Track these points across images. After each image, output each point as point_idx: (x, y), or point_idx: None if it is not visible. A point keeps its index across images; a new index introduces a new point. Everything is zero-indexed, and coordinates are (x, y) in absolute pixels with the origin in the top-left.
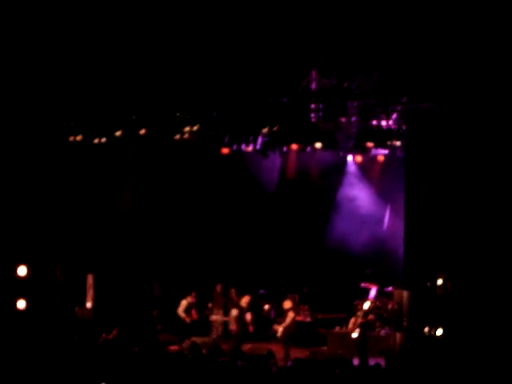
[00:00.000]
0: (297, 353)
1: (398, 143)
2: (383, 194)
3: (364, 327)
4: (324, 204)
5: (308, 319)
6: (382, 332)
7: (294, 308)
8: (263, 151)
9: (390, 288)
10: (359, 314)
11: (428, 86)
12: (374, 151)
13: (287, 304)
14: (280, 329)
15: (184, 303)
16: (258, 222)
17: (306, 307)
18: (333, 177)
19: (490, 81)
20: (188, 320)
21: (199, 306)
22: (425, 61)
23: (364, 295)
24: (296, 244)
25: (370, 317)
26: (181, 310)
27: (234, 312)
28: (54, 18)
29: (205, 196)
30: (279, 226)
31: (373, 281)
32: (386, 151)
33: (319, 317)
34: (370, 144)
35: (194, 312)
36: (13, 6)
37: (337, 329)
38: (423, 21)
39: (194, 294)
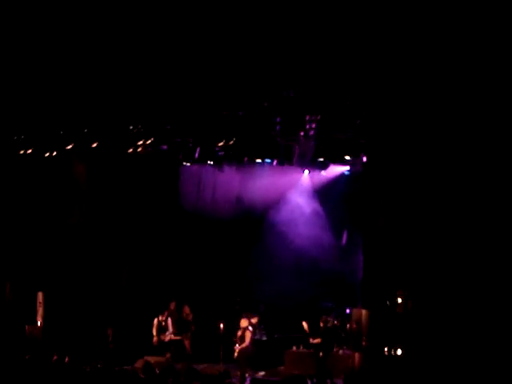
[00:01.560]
0: (253, 373)
1: (357, 158)
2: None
3: (317, 348)
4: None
5: (264, 338)
6: (341, 352)
7: (251, 327)
8: (219, 165)
9: (348, 310)
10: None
11: (385, 99)
12: (332, 166)
13: (244, 323)
14: (237, 349)
15: (155, 322)
16: (214, 237)
17: (262, 326)
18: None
19: (449, 97)
20: (155, 340)
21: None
22: (383, 74)
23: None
24: (251, 262)
25: (318, 339)
26: (154, 330)
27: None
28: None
29: (158, 211)
30: (234, 241)
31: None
32: (344, 167)
33: (275, 336)
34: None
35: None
36: None
37: (294, 348)
38: (383, 37)
39: (165, 312)
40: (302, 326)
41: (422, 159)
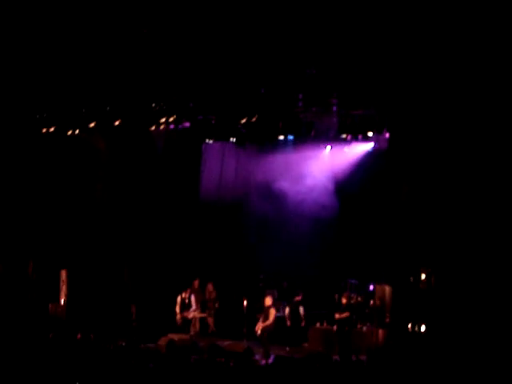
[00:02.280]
0: (276, 350)
1: (380, 135)
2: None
3: (342, 323)
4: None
5: (287, 315)
6: (365, 328)
7: (274, 304)
8: (242, 142)
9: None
10: None
11: (410, 77)
12: (355, 143)
13: (268, 301)
14: (260, 327)
15: (179, 300)
16: (235, 213)
17: (285, 303)
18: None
19: (476, 76)
20: (179, 317)
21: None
22: (407, 52)
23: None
24: (274, 239)
25: (346, 313)
26: (177, 307)
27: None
28: (30, 10)
29: (181, 187)
30: (257, 219)
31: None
32: (367, 144)
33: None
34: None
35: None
36: None
37: (317, 325)
38: (403, 15)
39: (188, 290)
40: (335, 299)
41: (446, 134)
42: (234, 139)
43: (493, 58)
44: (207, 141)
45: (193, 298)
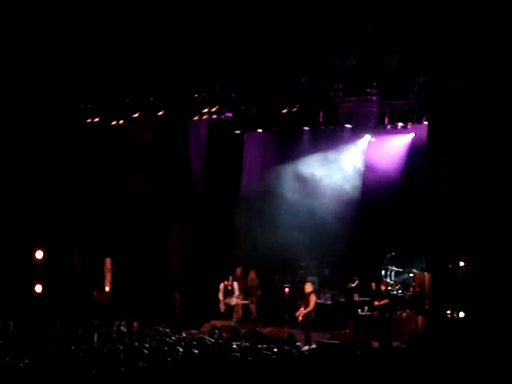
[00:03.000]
0: (317, 336)
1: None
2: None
3: (382, 310)
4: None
5: (328, 302)
6: (404, 315)
7: (315, 291)
8: (282, 132)
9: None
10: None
11: (449, 66)
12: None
13: (308, 288)
14: (302, 313)
15: (221, 287)
16: (275, 202)
17: (326, 290)
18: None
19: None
20: (222, 304)
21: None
22: (446, 41)
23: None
24: (312, 227)
25: (385, 300)
26: (220, 294)
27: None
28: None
29: (222, 176)
30: (296, 208)
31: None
32: (406, 134)
33: (340, 300)
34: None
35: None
36: None
37: (358, 311)
38: (443, 4)
39: (231, 277)
40: (371, 287)
41: (486, 122)
42: (276, 129)
43: None
44: (249, 131)
45: (235, 285)
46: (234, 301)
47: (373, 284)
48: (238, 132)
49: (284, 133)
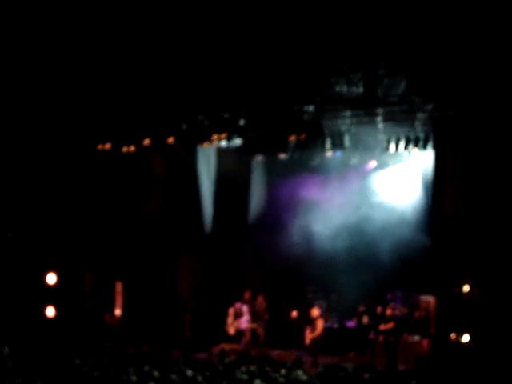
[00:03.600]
0: (325, 360)
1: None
2: None
3: (388, 334)
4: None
5: (335, 326)
6: (410, 338)
7: (322, 315)
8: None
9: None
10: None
11: (454, 93)
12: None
13: (315, 312)
14: (309, 337)
15: (231, 311)
16: (283, 227)
17: (334, 314)
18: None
19: None
20: (231, 328)
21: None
22: (452, 70)
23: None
24: (319, 252)
25: (390, 324)
26: (229, 318)
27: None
28: (76, 26)
29: (233, 200)
30: (304, 234)
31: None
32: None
33: (347, 324)
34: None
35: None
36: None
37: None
38: (449, 32)
39: (240, 301)
40: (376, 311)
41: (490, 147)
42: (283, 155)
43: None
44: (256, 157)
45: (245, 309)
46: (243, 324)
47: (378, 308)
48: (246, 157)
49: (292, 159)
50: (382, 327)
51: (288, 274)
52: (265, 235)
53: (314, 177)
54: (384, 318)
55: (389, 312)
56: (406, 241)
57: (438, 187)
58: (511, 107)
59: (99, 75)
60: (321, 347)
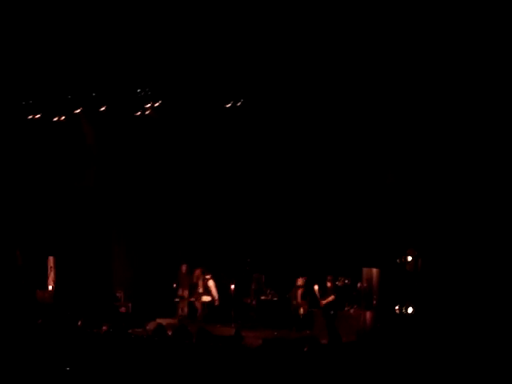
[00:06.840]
0: (265, 334)
1: None
2: None
3: (328, 307)
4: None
5: (275, 298)
6: (352, 311)
7: (260, 288)
8: None
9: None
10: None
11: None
12: None
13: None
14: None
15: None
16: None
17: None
18: None
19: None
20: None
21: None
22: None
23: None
24: (260, 224)
25: (331, 297)
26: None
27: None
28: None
29: (167, 173)
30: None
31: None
32: None
33: (287, 296)
34: None
35: None
36: None
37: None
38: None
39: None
40: (313, 290)
41: (429, 119)
42: None
43: None
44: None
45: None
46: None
47: (315, 286)
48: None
49: None
50: (324, 302)
51: (226, 245)
52: (203, 203)
53: None
54: (324, 292)
55: (329, 285)
56: (348, 212)
57: (380, 155)
58: None
59: (29, 44)
60: (260, 321)
